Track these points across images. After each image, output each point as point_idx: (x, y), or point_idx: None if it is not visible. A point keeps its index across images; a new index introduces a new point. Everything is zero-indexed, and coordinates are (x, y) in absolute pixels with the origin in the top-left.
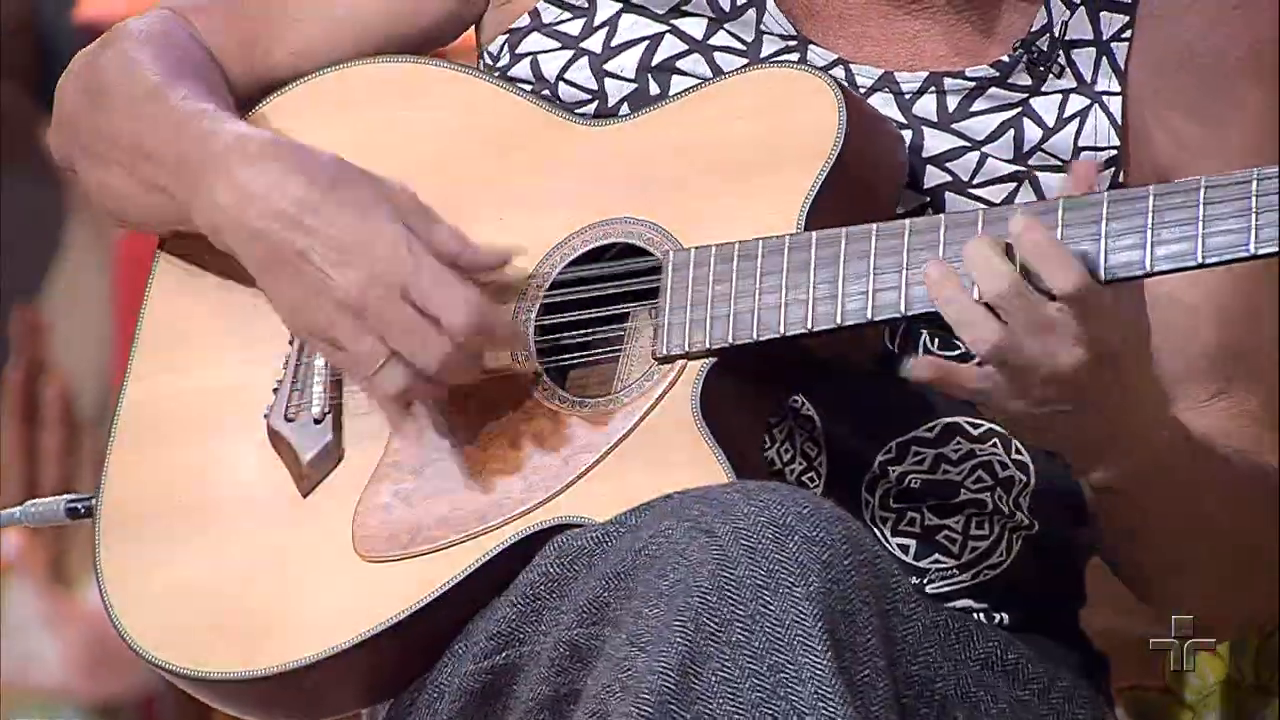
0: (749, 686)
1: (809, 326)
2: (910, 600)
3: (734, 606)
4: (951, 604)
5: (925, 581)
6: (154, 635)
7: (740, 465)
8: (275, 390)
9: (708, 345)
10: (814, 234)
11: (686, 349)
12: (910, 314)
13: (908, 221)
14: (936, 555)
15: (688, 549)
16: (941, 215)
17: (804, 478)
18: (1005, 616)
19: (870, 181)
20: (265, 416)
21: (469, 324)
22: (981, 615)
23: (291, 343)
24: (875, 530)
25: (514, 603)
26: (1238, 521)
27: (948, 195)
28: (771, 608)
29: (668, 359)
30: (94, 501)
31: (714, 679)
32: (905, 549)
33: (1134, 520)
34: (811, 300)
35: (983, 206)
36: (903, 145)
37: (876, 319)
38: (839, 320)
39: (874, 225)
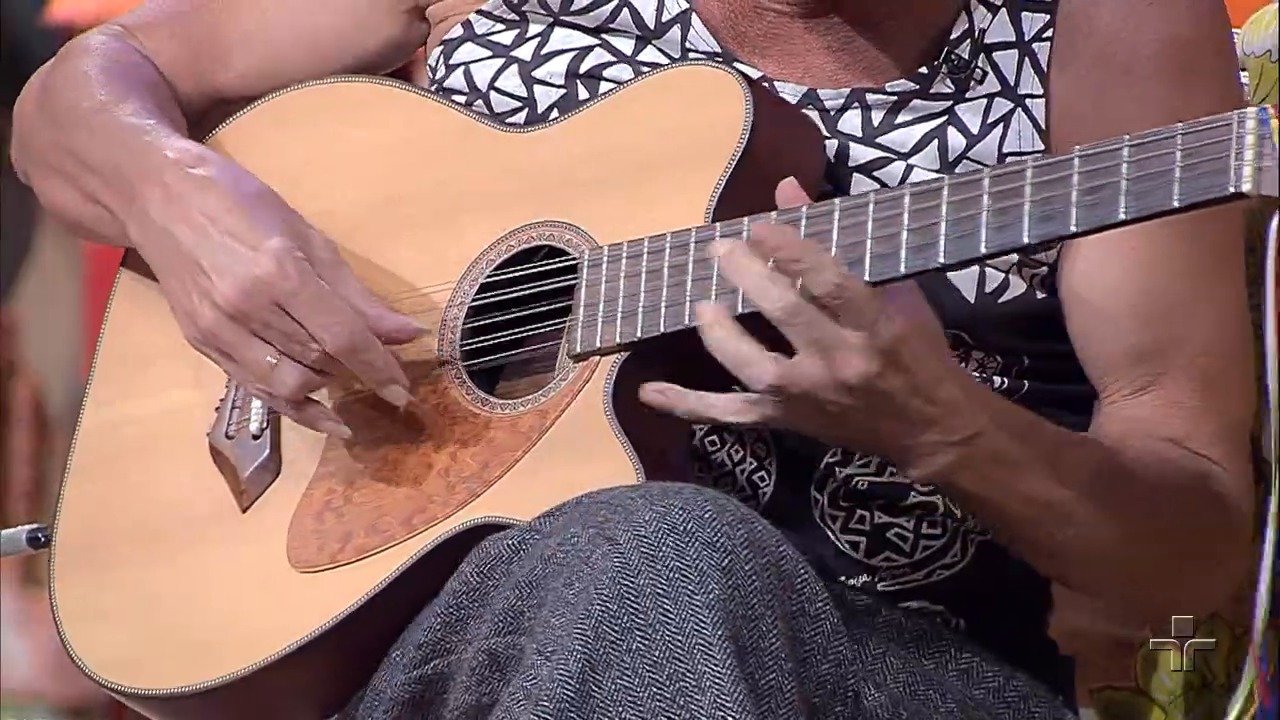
0: (648, 695)
1: None
2: (817, 600)
3: (634, 615)
4: (906, 604)
5: (876, 579)
6: (102, 657)
7: (659, 461)
8: (217, 409)
9: (618, 340)
10: (718, 225)
11: (598, 345)
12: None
13: (804, 207)
14: (888, 553)
15: (591, 556)
16: (836, 200)
17: (754, 477)
18: (963, 621)
19: (783, 174)
20: (208, 435)
21: (344, 346)
22: (938, 619)
23: None
24: (825, 528)
25: (439, 613)
26: (1144, 513)
27: None
28: (671, 616)
29: (581, 356)
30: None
31: (613, 687)
32: (855, 545)
33: (988, 509)
34: (715, 292)
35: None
36: (819, 136)
37: None
38: (740, 310)
39: (774, 213)
